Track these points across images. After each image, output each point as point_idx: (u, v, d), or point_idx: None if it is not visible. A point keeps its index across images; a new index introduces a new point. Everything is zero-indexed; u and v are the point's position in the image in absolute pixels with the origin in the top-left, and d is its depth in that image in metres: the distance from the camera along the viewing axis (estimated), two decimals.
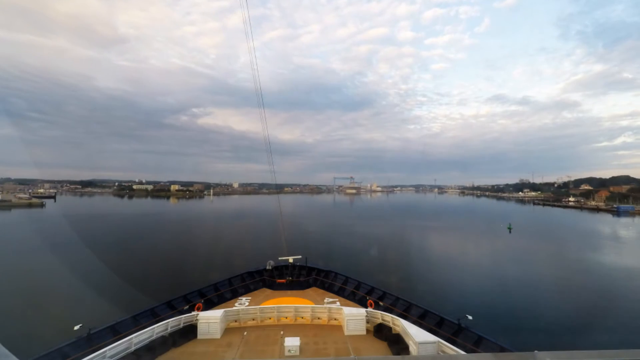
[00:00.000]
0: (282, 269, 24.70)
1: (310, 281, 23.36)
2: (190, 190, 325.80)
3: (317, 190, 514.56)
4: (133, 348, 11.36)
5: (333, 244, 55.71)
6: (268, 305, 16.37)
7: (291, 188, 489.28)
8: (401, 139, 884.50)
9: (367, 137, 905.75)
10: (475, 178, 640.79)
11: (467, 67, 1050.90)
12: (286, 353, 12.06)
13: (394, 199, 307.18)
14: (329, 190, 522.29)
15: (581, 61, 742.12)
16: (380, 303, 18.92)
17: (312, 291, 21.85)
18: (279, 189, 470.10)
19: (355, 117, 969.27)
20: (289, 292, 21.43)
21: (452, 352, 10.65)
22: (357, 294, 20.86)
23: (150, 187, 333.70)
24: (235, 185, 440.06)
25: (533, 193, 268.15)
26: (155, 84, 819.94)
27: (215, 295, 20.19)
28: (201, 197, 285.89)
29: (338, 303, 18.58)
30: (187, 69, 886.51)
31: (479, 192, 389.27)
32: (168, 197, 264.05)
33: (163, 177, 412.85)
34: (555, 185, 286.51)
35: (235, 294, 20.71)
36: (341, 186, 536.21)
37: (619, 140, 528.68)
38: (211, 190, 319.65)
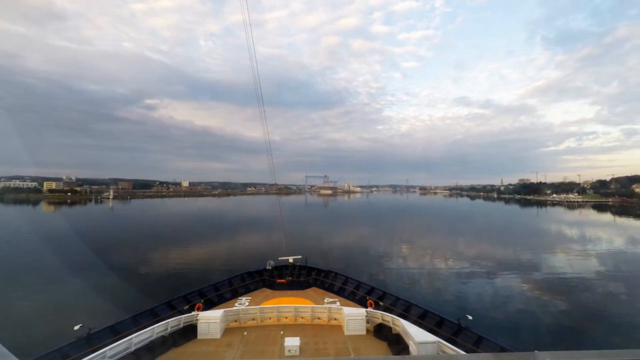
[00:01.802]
0: (282, 269, 24.57)
1: (310, 281, 23.22)
2: (76, 191, 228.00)
3: (285, 190, 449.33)
4: (133, 348, 11.37)
5: None
6: (268, 305, 16.24)
7: (255, 188, 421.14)
8: (371, 139, 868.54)
9: (336, 136, 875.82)
10: (441, 179, 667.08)
11: (436, 67, 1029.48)
12: (286, 353, 12.02)
13: (378, 200, 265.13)
14: (300, 190, 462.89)
15: (543, 67, 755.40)
16: (380, 303, 18.72)
17: (312, 291, 21.72)
18: (241, 188, 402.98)
19: (325, 115, 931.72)
20: (289, 292, 21.25)
21: (452, 352, 10.57)
22: (357, 294, 20.72)
23: (34, 184, 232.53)
24: (185, 184, 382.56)
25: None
26: (103, 70, 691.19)
27: (215, 295, 20.10)
28: (100, 201, 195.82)
29: (338, 303, 18.50)
30: (140, 55, 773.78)
31: (473, 192, 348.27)
32: (36, 202, 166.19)
33: (106, 175, 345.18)
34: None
35: (235, 294, 20.63)
36: (313, 186, 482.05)
37: (564, 145, 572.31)
38: (110, 192, 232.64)
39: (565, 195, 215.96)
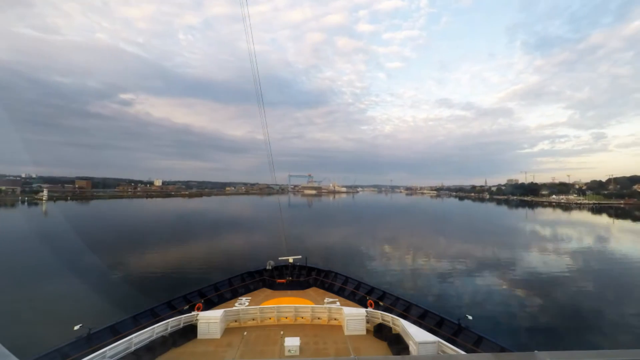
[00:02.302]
0: (282, 269, 24.47)
1: (310, 281, 23.16)
2: None
3: (267, 190, 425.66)
4: (133, 348, 11.30)
5: None
6: (268, 305, 16.19)
7: (234, 188, 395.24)
8: (355, 140, 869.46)
9: (320, 136, 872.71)
10: (424, 180, 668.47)
11: (420, 68, 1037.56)
12: (286, 353, 11.99)
13: (365, 200, 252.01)
14: (282, 190, 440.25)
15: (522, 71, 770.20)
16: (380, 303, 18.68)
17: (312, 291, 21.66)
18: (219, 188, 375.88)
19: (310, 114, 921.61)
20: (288, 292, 21.19)
21: (452, 352, 10.56)
22: (357, 294, 20.67)
23: None
24: (158, 183, 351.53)
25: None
26: (73, 62, 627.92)
27: (215, 295, 20.05)
28: (33, 202, 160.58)
29: (338, 303, 18.44)
30: (114, 48, 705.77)
31: (462, 193, 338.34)
32: None
33: (75, 173, 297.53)
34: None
35: (235, 294, 20.59)
36: (297, 186, 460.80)
37: (538, 148, 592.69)
38: (45, 192, 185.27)
39: (565, 196, 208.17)
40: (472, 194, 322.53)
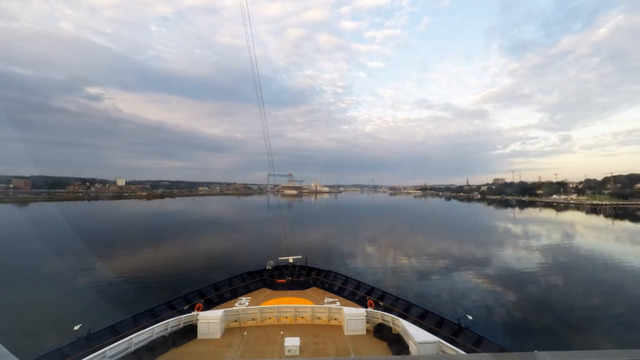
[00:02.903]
0: (282, 269, 24.40)
1: (310, 281, 23.06)
2: None
3: (245, 190, 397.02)
4: (133, 348, 11.28)
5: None
6: (268, 305, 16.09)
7: (208, 188, 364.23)
8: (336, 139, 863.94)
9: (301, 135, 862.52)
10: (404, 179, 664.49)
11: (401, 68, 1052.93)
12: (286, 353, 11.94)
13: (349, 201, 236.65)
14: (261, 190, 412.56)
15: (498, 74, 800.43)
16: (380, 303, 18.60)
17: (312, 291, 21.55)
18: (191, 188, 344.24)
19: (290, 113, 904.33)
20: (289, 292, 21.08)
21: (452, 352, 10.54)
22: (357, 294, 20.60)
23: None
24: (121, 182, 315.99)
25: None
26: (33, 51, 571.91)
27: (215, 295, 19.96)
28: None
29: (338, 303, 18.34)
30: (79, 38, 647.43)
31: (449, 193, 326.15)
32: None
33: (33, 172, 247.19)
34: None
35: (235, 294, 20.48)
36: (277, 186, 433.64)
37: (510, 149, 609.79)
38: None
39: (575, 196, 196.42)
40: (461, 194, 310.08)
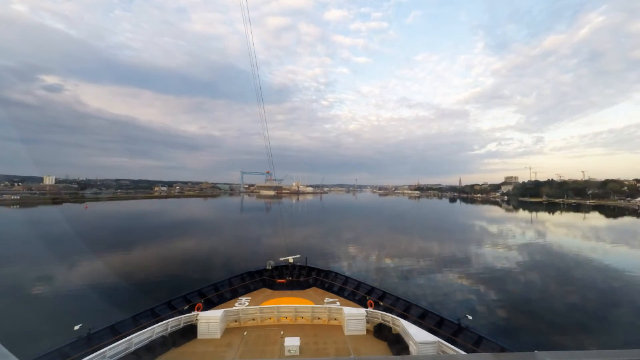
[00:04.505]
0: (282, 269, 24.19)
1: (310, 281, 22.85)
2: None
3: (211, 191, 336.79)
4: (133, 348, 11.15)
5: None
6: (268, 305, 15.98)
7: (166, 188, 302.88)
8: (319, 139, 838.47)
9: (282, 134, 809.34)
10: (389, 179, 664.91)
11: (386, 65, 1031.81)
12: (286, 353, 11.85)
13: (337, 202, 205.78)
14: (232, 190, 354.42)
15: (481, 74, 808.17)
16: (380, 303, 18.48)
17: (312, 291, 21.40)
18: (145, 189, 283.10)
19: (271, 110, 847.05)
20: (288, 292, 20.94)
21: (452, 352, 10.40)
22: (357, 294, 20.46)
23: None
24: (48, 181, 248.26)
25: None
26: None
27: (215, 295, 19.86)
28: None
29: (338, 303, 18.23)
30: (32, 21, 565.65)
31: (454, 193, 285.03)
32: None
33: None
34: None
35: (235, 294, 20.38)
36: (252, 185, 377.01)
37: (486, 149, 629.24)
38: None
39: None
40: (465, 194, 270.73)
